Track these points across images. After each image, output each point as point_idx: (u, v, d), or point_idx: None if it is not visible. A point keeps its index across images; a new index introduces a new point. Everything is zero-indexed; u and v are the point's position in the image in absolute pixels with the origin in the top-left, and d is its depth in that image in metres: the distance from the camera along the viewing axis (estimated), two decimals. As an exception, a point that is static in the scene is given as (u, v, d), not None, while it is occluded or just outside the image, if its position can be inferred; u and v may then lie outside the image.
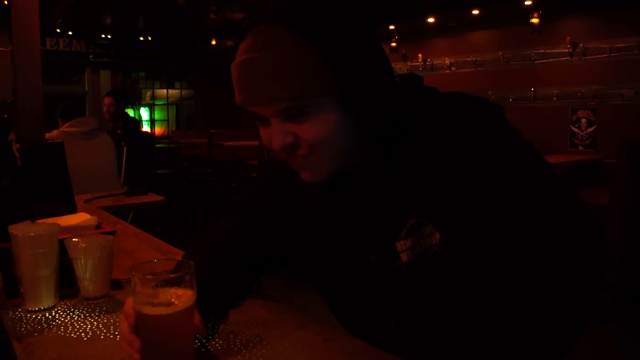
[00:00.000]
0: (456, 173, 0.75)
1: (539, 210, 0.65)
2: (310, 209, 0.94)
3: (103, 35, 9.45)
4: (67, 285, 1.01)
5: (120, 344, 0.76)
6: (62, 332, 0.88)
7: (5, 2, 2.56)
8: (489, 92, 6.07)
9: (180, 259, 0.82)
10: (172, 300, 0.69)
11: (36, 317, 0.94)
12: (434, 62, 6.83)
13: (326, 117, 0.76)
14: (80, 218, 1.26)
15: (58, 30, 8.82)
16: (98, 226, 1.24)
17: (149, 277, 0.69)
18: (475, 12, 5.80)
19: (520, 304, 0.57)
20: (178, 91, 11.38)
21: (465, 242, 0.74)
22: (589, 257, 0.63)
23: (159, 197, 2.46)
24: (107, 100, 4.20)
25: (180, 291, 0.70)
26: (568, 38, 5.29)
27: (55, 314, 0.95)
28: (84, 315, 0.95)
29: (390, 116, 0.81)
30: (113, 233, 1.10)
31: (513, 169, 0.71)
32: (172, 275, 0.70)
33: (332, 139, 0.78)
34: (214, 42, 9.02)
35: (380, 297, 0.86)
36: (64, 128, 3.28)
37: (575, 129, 5.36)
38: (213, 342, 0.82)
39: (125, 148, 3.98)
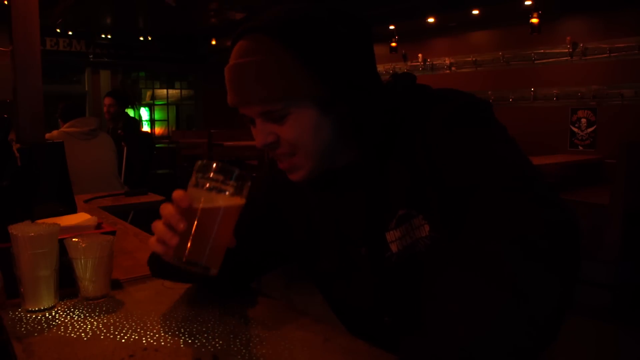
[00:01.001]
0: (439, 164, 0.78)
1: (516, 202, 0.67)
2: (307, 205, 0.97)
3: (103, 35, 9.44)
4: (67, 285, 1.01)
5: (156, 229, 0.75)
6: (62, 332, 0.88)
7: (5, 2, 2.56)
8: (489, 92, 6.07)
9: None
10: (233, 195, 0.73)
11: (36, 317, 0.94)
12: (434, 62, 6.83)
13: (304, 119, 0.80)
14: (80, 218, 1.27)
15: (58, 30, 8.81)
16: (98, 226, 1.24)
17: (221, 163, 0.73)
18: (475, 12, 5.80)
19: (500, 295, 0.58)
20: (178, 91, 11.38)
21: (454, 233, 0.75)
22: (565, 246, 0.64)
23: (159, 197, 2.46)
24: (107, 101, 4.19)
25: (238, 196, 0.74)
26: (568, 38, 5.29)
27: (55, 314, 0.96)
28: (84, 315, 0.95)
29: (377, 115, 0.83)
30: (113, 233, 1.10)
31: (492, 162, 0.73)
32: (241, 172, 0.74)
33: (311, 140, 0.81)
34: (214, 42, 9.02)
35: (371, 290, 0.88)
36: (64, 128, 3.28)
37: (575, 129, 5.36)
38: (213, 342, 0.82)
39: (125, 148, 3.98)
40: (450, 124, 0.79)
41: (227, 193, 0.73)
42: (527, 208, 0.66)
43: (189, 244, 0.72)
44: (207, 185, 0.72)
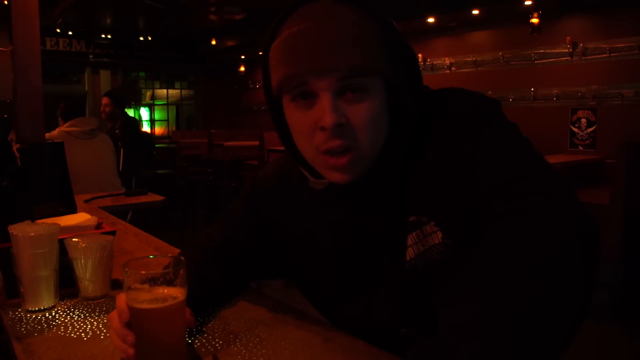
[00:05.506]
0: (456, 168, 0.74)
1: (538, 206, 0.64)
2: (306, 220, 0.91)
3: (103, 35, 9.44)
4: (67, 285, 1.01)
5: (112, 339, 0.76)
6: (62, 332, 0.88)
7: (5, 2, 2.56)
8: (489, 92, 6.06)
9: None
10: (165, 295, 0.71)
11: (36, 317, 0.94)
12: (434, 62, 6.83)
13: (376, 100, 0.74)
14: (80, 218, 1.26)
15: (58, 30, 8.81)
16: (98, 226, 1.24)
17: (142, 272, 0.71)
18: (475, 12, 5.80)
19: (518, 303, 0.56)
20: (178, 91, 11.38)
21: (471, 238, 0.72)
22: (590, 255, 0.62)
23: (159, 197, 2.46)
24: (103, 101, 4.23)
25: (172, 287, 0.72)
26: (568, 38, 5.29)
27: (55, 314, 0.95)
28: (84, 315, 0.95)
29: (417, 110, 0.79)
30: (113, 233, 1.10)
31: (511, 164, 0.70)
32: (165, 271, 0.72)
33: (377, 128, 0.75)
34: (214, 42, 9.02)
35: (393, 302, 0.82)
36: (64, 127, 3.28)
37: (575, 129, 5.36)
38: (213, 342, 0.82)
39: (122, 148, 3.99)
40: (463, 125, 0.75)
41: (163, 295, 0.71)
42: (551, 215, 0.63)
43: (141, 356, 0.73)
44: (138, 296, 0.71)
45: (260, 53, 0.81)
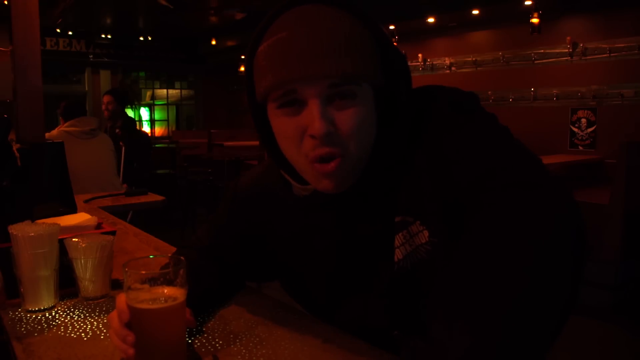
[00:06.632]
0: (437, 165, 0.74)
1: (517, 197, 0.64)
2: (295, 226, 0.89)
3: (103, 35, 9.45)
4: (67, 285, 1.01)
5: (112, 339, 0.76)
6: (62, 332, 0.88)
7: (5, 2, 2.56)
8: (489, 92, 6.07)
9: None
10: (165, 295, 0.71)
11: (36, 317, 0.94)
12: (434, 62, 6.83)
13: (365, 106, 0.73)
14: (80, 218, 1.26)
15: (58, 30, 8.82)
16: (98, 226, 1.24)
17: (142, 272, 0.71)
18: (475, 12, 5.80)
19: (505, 298, 0.56)
20: (178, 91, 11.39)
21: (458, 236, 0.70)
22: (574, 244, 0.62)
23: (159, 197, 2.46)
24: (105, 99, 4.23)
25: (172, 287, 0.72)
26: (568, 38, 5.29)
27: (55, 314, 0.96)
28: (84, 315, 0.95)
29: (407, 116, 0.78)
30: (113, 233, 1.10)
31: (490, 155, 0.70)
32: (165, 271, 0.72)
33: (365, 134, 0.74)
34: (214, 42, 9.02)
35: (385, 305, 0.82)
36: (64, 127, 3.28)
37: (575, 129, 5.36)
38: (213, 342, 0.82)
39: (123, 148, 3.99)
40: (445, 125, 0.75)
41: (164, 295, 0.71)
42: (535, 206, 0.63)
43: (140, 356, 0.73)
44: (139, 296, 0.71)
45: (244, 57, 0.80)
